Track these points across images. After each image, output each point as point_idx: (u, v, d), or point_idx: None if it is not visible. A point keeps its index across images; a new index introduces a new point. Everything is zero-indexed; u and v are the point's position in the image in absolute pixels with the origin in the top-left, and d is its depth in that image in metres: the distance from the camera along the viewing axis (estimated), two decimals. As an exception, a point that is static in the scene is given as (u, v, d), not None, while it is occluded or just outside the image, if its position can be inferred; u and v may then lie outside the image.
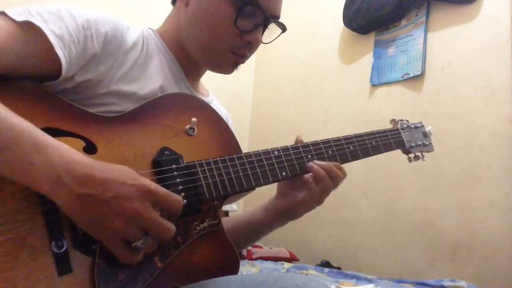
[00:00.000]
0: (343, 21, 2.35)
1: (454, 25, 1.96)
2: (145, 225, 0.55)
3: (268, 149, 0.80)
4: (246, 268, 1.94)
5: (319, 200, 0.84)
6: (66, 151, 0.54)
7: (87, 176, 0.53)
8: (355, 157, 0.90)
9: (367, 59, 2.29)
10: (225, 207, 0.96)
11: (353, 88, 2.33)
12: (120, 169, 0.56)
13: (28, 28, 0.61)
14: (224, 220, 0.94)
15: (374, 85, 2.23)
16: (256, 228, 0.91)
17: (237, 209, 1.01)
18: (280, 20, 0.85)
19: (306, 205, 0.84)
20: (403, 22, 2.16)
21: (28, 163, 0.52)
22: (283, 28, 0.86)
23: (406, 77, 2.09)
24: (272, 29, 0.85)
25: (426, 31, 2.04)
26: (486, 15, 1.85)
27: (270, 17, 0.81)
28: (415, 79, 2.05)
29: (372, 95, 2.24)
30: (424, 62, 2.02)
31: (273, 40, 0.89)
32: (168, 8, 0.89)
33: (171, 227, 0.57)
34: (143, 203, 0.55)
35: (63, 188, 0.52)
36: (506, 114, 1.74)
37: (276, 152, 0.81)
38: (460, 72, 1.91)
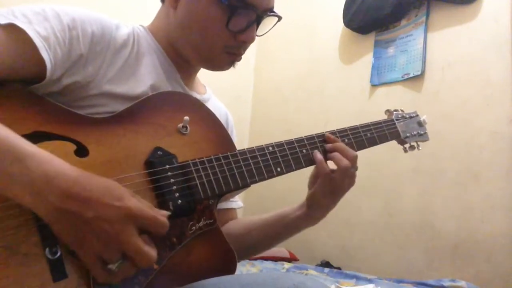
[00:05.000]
0: (343, 21, 2.35)
1: (454, 25, 1.96)
2: (123, 250, 0.53)
3: (262, 145, 0.79)
4: (246, 268, 1.94)
5: (335, 184, 0.83)
6: (47, 161, 0.52)
7: (68, 192, 0.51)
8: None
9: (367, 59, 2.29)
10: (231, 204, 0.96)
11: (353, 88, 2.33)
12: (105, 186, 0.53)
13: (12, 31, 0.60)
14: (250, 218, 0.94)
15: (374, 85, 2.23)
16: (286, 223, 0.91)
17: (243, 205, 1.01)
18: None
19: (322, 190, 0.84)
20: (403, 22, 2.15)
21: (8, 174, 0.50)
22: (279, 17, 0.84)
23: (406, 77, 2.09)
24: (266, 20, 0.83)
25: (426, 31, 2.03)
26: (486, 15, 1.85)
27: (262, 13, 0.79)
28: (415, 79, 2.05)
29: (372, 95, 2.24)
30: (424, 62, 2.01)
31: (268, 31, 0.87)
32: (156, 3, 0.86)
33: (151, 254, 0.55)
34: (124, 227, 0.52)
35: (44, 200, 0.50)
36: (506, 114, 1.74)
37: (270, 148, 0.80)
38: (460, 72, 1.91)
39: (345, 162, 0.82)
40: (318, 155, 0.83)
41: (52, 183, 0.50)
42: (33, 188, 0.50)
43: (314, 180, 0.86)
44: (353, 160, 0.83)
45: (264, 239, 0.92)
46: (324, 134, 0.87)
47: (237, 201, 0.98)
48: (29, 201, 0.51)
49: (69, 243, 0.54)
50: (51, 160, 0.52)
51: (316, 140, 0.86)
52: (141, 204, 0.55)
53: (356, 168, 0.85)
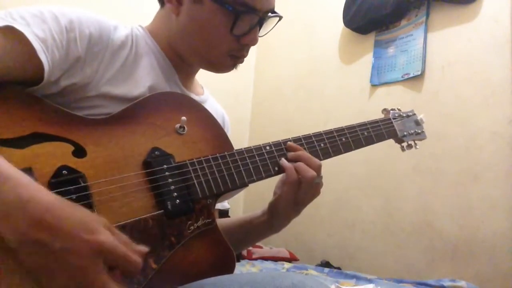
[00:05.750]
0: (343, 21, 2.35)
1: (454, 25, 1.96)
2: (90, 286, 0.49)
3: (260, 144, 0.80)
4: (246, 268, 1.94)
5: (299, 194, 0.79)
6: (23, 184, 0.49)
7: (38, 219, 0.47)
8: (347, 148, 0.89)
9: (367, 59, 2.29)
10: (217, 206, 0.95)
11: (353, 88, 2.33)
12: (80, 216, 0.50)
13: (11, 33, 0.60)
14: (220, 221, 0.94)
15: (374, 85, 2.23)
16: (249, 229, 0.89)
17: (229, 207, 1.00)
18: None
19: (286, 198, 0.80)
20: (403, 22, 2.15)
21: None
22: (279, 17, 0.84)
23: (406, 77, 2.09)
24: (268, 21, 0.84)
25: (426, 31, 2.03)
26: (486, 15, 1.85)
27: (264, 14, 0.79)
28: (415, 79, 2.05)
29: (372, 95, 2.24)
30: (424, 62, 2.01)
31: (269, 31, 0.87)
32: (154, 4, 0.86)
33: None
34: (92, 262, 0.48)
35: (12, 225, 0.47)
36: (506, 114, 1.74)
37: (268, 148, 0.80)
38: (460, 72, 1.91)
39: (311, 172, 0.78)
40: (286, 162, 0.79)
41: (23, 208, 0.47)
42: (2, 211, 0.47)
43: (281, 186, 0.83)
44: (318, 170, 0.80)
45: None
46: (321, 133, 0.87)
47: (222, 202, 0.96)
48: None
49: (35, 273, 0.49)
50: (27, 184, 0.49)
51: (314, 139, 0.86)
52: (114, 240, 0.50)
53: (320, 178, 0.81)
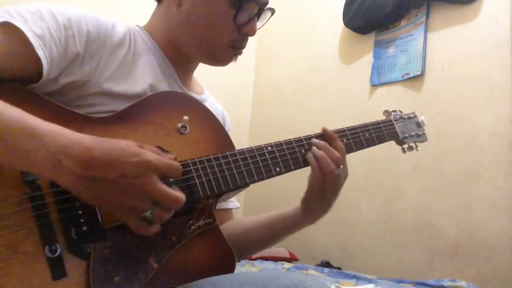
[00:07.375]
0: (343, 21, 2.35)
1: (454, 25, 1.96)
2: (153, 198, 0.56)
3: (261, 145, 0.80)
4: (246, 268, 1.94)
5: (325, 187, 0.82)
6: (60, 134, 0.53)
7: (88, 158, 0.52)
8: (348, 150, 0.89)
9: (367, 59, 2.29)
10: (228, 205, 0.96)
11: (353, 88, 2.33)
12: (120, 145, 0.55)
13: (8, 30, 0.60)
14: (242, 220, 0.94)
15: (374, 85, 2.23)
16: (286, 225, 0.91)
17: (239, 205, 1.01)
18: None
19: (311, 191, 0.84)
20: (403, 22, 2.15)
21: (25, 151, 0.51)
22: (273, 11, 0.87)
23: (406, 77, 2.09)
24: (262, 15, 0.87)
25: (426, 31, 2.04)
26: (486, 15, 1.85)
27: (263, 5, 0.82)
28: (415, 79, 2.05)
29: (372, 95, 2.24)
30: (424, 62, 2.01)
31: (263, 25, 0.89)
32: (152, 4, 0.87)
33: (179, 195, 0.57)
34: (147, 178, 0.55)
35: (66, 172, 0.52)
36: (506, 114, 1.74)
37: (269, 148, 0.80)
38: (460, 72, 1.91)
39: (330, 165, 0.81)
40: (312, 158, 0.82)
41: (70, 155, 0.52)
42: (53, 162, 0.52)
43: (308, 180, 0.86)
44: (336, 162, 0.82)
45: (262, 239, 0.93)
46: (323, 134, 0.87)
47: (233, 202, 0.99)
48: (51, 175, 0.53)
49: (100, 206, 0.57)
50: (65, 132, 0.54)
51: None
52: (157, 155, 0.57)
53: (340, 170, 0.83)
